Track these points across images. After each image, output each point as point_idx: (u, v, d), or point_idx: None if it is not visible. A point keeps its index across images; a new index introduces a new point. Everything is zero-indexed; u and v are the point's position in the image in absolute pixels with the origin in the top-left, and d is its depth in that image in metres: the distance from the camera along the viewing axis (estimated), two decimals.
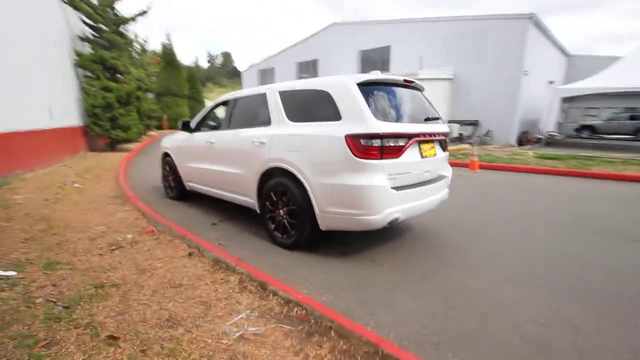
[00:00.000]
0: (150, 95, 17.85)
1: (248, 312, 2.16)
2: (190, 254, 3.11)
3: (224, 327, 1.99)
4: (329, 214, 2.97)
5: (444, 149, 3.59)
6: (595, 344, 1.93)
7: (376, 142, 2.73)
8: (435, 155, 3.35)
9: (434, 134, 3.26)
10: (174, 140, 5.32)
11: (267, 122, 3.59)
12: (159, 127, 23.05)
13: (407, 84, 3.34)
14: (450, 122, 15.61)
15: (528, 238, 3.71)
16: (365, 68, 20.13)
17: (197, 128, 4.83)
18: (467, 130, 15.99)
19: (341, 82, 3.00)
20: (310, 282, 2.65)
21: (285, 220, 3.36)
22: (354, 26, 20.46)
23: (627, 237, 3.70)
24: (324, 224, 3.05)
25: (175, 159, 5.15)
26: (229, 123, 4.20)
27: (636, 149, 12.70)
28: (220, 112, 4.86)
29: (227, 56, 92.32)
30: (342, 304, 2.32)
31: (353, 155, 2.76)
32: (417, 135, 3.03)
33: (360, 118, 2.79)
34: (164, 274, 2.74)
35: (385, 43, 18.68)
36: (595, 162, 8.83)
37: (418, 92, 3.50)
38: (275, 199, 3.43)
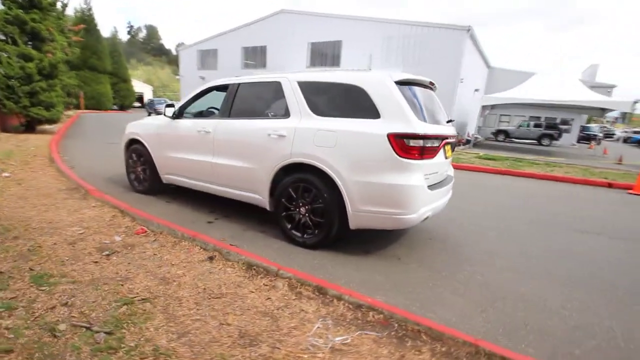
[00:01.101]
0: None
1: (321, 320, 2.03)
2: (211, 258, 2.78)
3: (309, 340, 1.83)
4: (363, 212, 2.92)
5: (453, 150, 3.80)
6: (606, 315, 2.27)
7: (418, 143, 2.76)
8: (450, 156, 3.53)
9: (453, 136, 3.43)
10: (147, 126, 4.65)
11: (284, 113, 3.36)
12: (77, 107, 19.95)
13: (430, 86, 3.43)
14: None
15: (514, 234, 4.16)
16: (315, 60, 20.15)
17: (181, 114, 4.30)
18: None
19: (378, 79, 2.95)
20: (352, 283, 2.59)
21: (307, 219, 3.21)
22: (305, 16, 20.23)
23: (598, 233, 4.40)
24: (355, 223, 2.99)
25: (151, 148, 4.51)
26: (230, 111, 3.82)
27: (540, 152, 15.11)
28: (211, 98, 4.42)
29: (152, 30, 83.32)
30: (399, 303, 2.32)
31: (396, 155, 2.75)
32: (446, 137, 3.16)
33: (402, 117, 2.79)
34: (193, 282, 2.41)
35: (337, 37, 18.90)
36: (523, 164, 10.26)
37: (434, 94, 3.63)
38: (294, 197, 3.25)
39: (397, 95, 2.85)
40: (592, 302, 2.57)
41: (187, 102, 4.31)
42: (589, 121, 29.76)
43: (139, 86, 41.15)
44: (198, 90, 4.26)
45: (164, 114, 4.26)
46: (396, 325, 1.99)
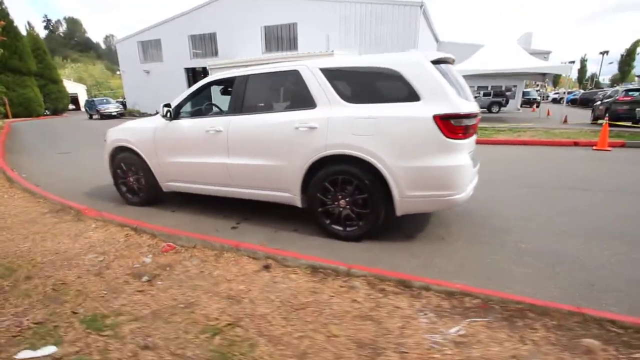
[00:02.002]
0: None
1: (422, 315, 1.98)
2: (266, 267, 2.59)
3: (426, 338, 1.78)
4: (411, 198, 2.87)
5: None
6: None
7: (463, 122, 2.75)
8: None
9: (480, 112, 3.47)
10: (138, 132, 4.15)
11: (308, 103, 3.15)
12: (5, 116, 17.50)
13: (451, 62, 3.40)
14: None
15: (519, 198, 4.39)
16: (270, 45, 19.45)
17: (177, 114, 3.88)
18: None
19: (415, 60, 2.85)
20: (417, 270, 2.56)
21: (348, 212, 3.10)
22: None
23: (586, 189, 4.78)
24: (403, 209, 2.94)
25: (147, 155, 4.05)
26: (242, 106, 3.52)
27: (493, 119, 16.18)
28: (205, 94, 4.04)
29: (74, 23, 74.47)
30: (477, 284, 2.33)
31: (443, 136, 2.71)
32: (478, 114, 3.18)
33: (444, 98, 2.74)
34: (264, 296, 2.22)
35: (292, 20, 18.32)
36: (490, 131, 10.89)
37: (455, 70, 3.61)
38: (332, 190, 3.11)
39: (436, 75, 2.78)
40: (628, 253, 2.79)
41: (183, 100, 3.90)
42: (526, 87, 32.35)
43: (70, 86, 36.99)
44: (196, 87, 3.87)
45: (162, 115, 3.82)
46: (497, 307, 2.00)
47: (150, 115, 22.44)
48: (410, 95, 2.82)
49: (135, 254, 2.91)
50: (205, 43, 20.73)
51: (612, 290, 2.28)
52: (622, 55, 52.17)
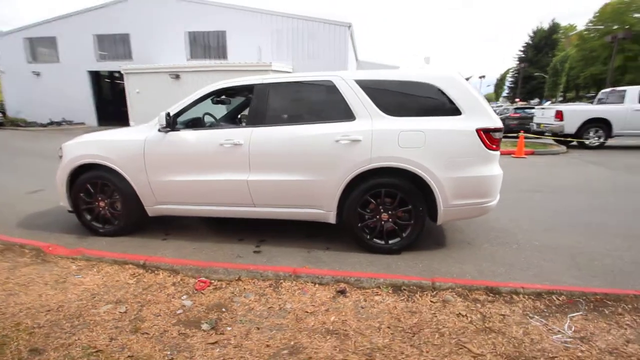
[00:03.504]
0: None
1: (531, 319, 2.05)
2: (342, 292, 2.35)
3: (557, 340, 1.84)
4: (454, 207, 2.98)
5: None
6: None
7: (498, 135, 3.00)
8: None
9: None
10: (114, 146, 3.39)
11: (346, 115, 3.04)
12: None
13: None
14: None
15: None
16: (196, 52, 18.27)
17: (175, 124, 3.31)
18: None
19: (451, 76, 3.00)
20: (478, 275, 2.67)
21: (390, 224, 3.06)
22: (179, 2, 17.86)
23: (538, 190, 5.63)
24: (445, 218, 3.03)
25: (130, 174, 3.32)
26: (264, 117, 3.18)
27: None
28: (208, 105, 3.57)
29: None
30: (534, 281, 2.53)
31: (485, 148, 2.90)
32: None
33: (483, 112, 2.95)
34: (367, 325, 2.01)
35: (220, 27, 17.53)
36: None
37: None
38: (375, 204, 3.04)
39: (473, 91, 2.99)
40: (619, 242, 3.35)
41: (183, 109, 3.36)
42: None
43: None
44: (201, 93, 3.37)
45: (163, 126, 3.19)
46: (582, 300, 2.21)
47: (42, 125, 18.52)
48: (451, 109, 2.96)
49: (164, 297, 2.34)
50: (116, 44, 18.24)
51: (627, 272, 2.73)
52: (497, 80, 64.98)
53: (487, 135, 2.90)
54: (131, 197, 3.41)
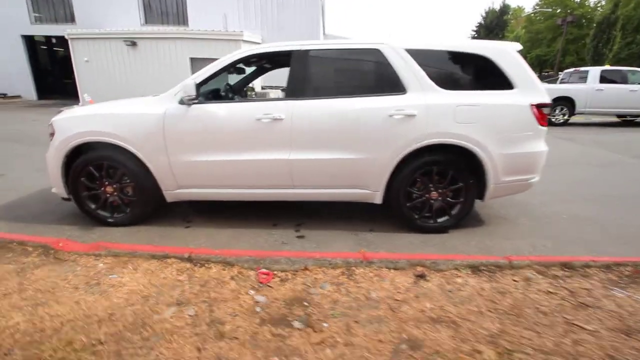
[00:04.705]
0: None
1: (612, 290, 2.10)
2: (421, 276, 2.23)
3: None
4: (503, 184, 2.95)
5: None
6: None
7: (547, 110, 2.98)
8: None
9: None
10: (125, 120, 2.87)
11: (396, 88, 2.83)
12: None
13: None
14: (270, 87, 15.97)
15: None
16: (151, 17, 16.44)
17: (198, 97, 2.85)
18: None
19: (504, 48, 2.88)
20: (533, 251, 2.72)
21: (440, 203, 2.98)
22: None
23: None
24: (492, 194, 3.00)
25: (146, 154, 2.84)
26: (305, 89, 2.85)
27: None
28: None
29: None
30: (590, 252, 2.63)
31: (537, 124, 2.88)
32: None
33: (534, 87, 2.89)
34: (466, 309, 1.92)
35: None
36: None
37: None
38: (425, 182, 2.93)
39: (525, 65, 2.91)
40: (635, 211, 3.61)
41: (207, 77, 2.91)
42: None
43: None
44: (227, 60, 2.93)
45: (186, 96, 2.72)
46: None
47: None
48: (504, 83, 2.86)
49: (229, 294, 2.06)
50: (55, 5, 15.69)
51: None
52: None
53: (539, 111, 2.86)
54: (147, 180, 2.95)
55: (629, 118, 11.11)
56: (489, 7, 50.47)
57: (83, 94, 13.51)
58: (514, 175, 2.97)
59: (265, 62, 3.61)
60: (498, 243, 2.86)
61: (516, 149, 2.88)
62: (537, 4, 42.95)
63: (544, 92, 2.91)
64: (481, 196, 3.00)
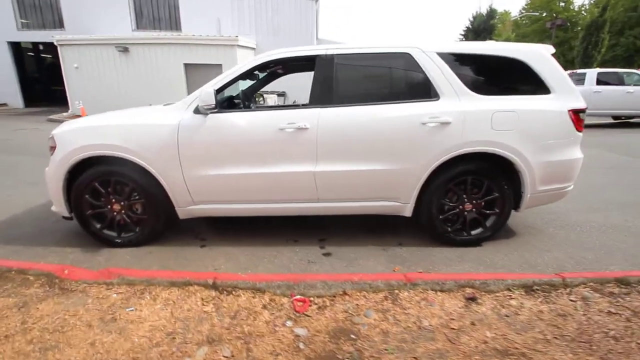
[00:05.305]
0: None
1: None
2: (471, 299, 2.04)
3: None
4: (539, 193, 2.80)
5: None
6: None
7: (584, 116, 2.84)
8: None
9: None
10: (135, 131, 2.63)
11: (428, 94, 2.66)
12: None
13: None
14: (266, 92, 15.75)
15: None
16: (143, 23, 16.14)
17: (218, 105, 2.61)
18: (280, 101, 16.79)
19: (540, 51, 2.73)
20: (574, 265, 2.56)
21: (473, 215, 2.81)
22: None
23: None
24: (528, 204, 2.83)
25: (160, 167, 2.60)
26: (332, 96, 2.66)
27: None
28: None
29: None
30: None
31: (575, 130, 2.73)
32: None
33: (571, 92, 2.75)
34: (531, 337, 1.74)
35: None
36: None
37: None
38: (458, 193, 2.75)
39: (561, 69, 2.77)
40: None
41: (225, 84, 2.69)
42: None
43: None
44: (248, 66, 2.73)
45: (205, 105, 2.49)
46: None
47: None
48: (539, 87, 2.72)
49: (264, 327, 1.83)
50: (43, 11, 15.23)
51: None
52: None
53: (577, 117, 2.72)
54: (159, 196, 2.71)
55: (623, 119, 11.23)
56: (477, 12, 51.40)
57: (74, 102, 13.11)
58: (551, 184, 2.81)
59: (282, 67, 3.41)
60: (538, 256, 2.69)
61: (554, 157, 2.73)
62: (524, 8, 43.82)
63: (580, 97, 2.77)
64: (516, 206, 2.85)
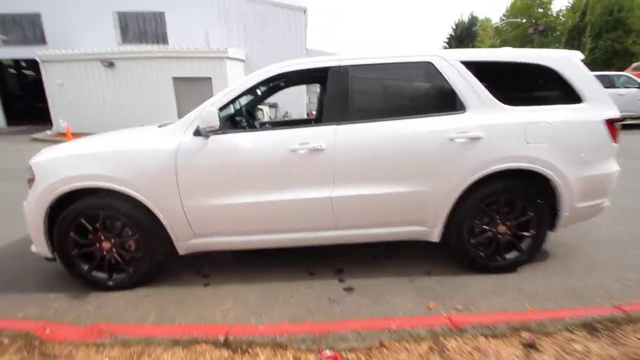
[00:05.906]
0: None
1: None
2: (530, 345, 1.75)
3: None
4: (577, 210, 2.56)
5: None
6: None
7: (619, 125, 2.62)
8: None
9: None
10: (126, 158, 2.29)
11: (453, 106, 2.41)
12: None
13: None
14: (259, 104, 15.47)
15: None
16: (130, 36, 15.77)
17: (221, 127, 2.31)
18: (271, 112, 16.54)
19: (569, 58, 2.52)
20: (623, 290, 2.31)
21: (508, 237, 2.54)
22: None
23: None
24: (564, 224, 2.60)
25: (155, 198, 2.27)
26: (348, 111, 2.38)
27: None
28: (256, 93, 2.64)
29: None
30: None
31: (611, 141, 2.52)
32: None
33: (605, 100, 2.54)
34: None
35: (157, 7, 15.22)
36: None
37: None
38: (491, 214, 2.49)
39: (592, 76, 2.57)
40: None
41: (229, 102, 2.40)
42: None
43: None
44: (251, 81, 2.44)
45: (207, 127, 2.18)
46: None
47: None
48: (570, 96, 2.50)
49: None
50: (23, 26, 14.72)
51: None
52: None
53: (612, 127, 2.51)
54: (155, 231, 2.37)
55: None
56: (459, 19, 52.51)
57: (58, 119, 12.59)
58: (588, 200, 2.58)
59: (286, 80, 3.15)
60: (582, 281, 2.44)
61: (591, 171, 2.50)
62: (504, 15, 44.96)
63: (614, 105, 2.56)
64: (552, 226, 2.60)
